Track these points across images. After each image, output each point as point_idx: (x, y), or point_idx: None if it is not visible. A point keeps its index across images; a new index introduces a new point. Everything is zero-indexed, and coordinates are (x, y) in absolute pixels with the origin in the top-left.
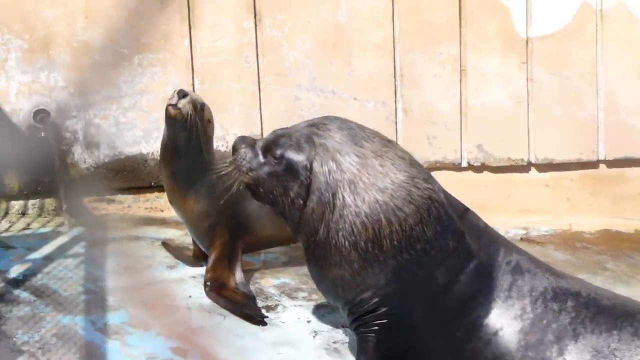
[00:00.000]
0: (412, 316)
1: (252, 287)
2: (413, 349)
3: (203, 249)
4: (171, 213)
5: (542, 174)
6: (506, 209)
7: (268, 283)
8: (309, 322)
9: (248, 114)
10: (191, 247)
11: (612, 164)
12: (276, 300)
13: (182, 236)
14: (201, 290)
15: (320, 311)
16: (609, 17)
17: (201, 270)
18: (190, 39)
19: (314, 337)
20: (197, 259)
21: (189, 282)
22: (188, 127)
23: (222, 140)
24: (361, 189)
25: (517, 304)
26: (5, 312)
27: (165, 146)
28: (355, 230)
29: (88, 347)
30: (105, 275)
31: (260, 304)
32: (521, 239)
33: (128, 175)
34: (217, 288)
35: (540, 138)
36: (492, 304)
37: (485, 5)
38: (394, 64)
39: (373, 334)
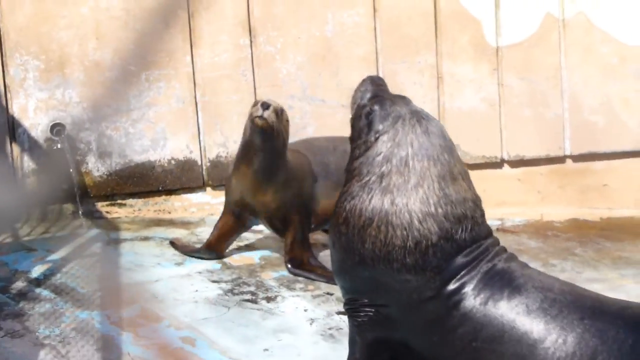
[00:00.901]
0: (391, 314)
1: (253, 280)
2: (398, 341)
3: (276, 234)
4: (178, 214)
5: (515, 169)
6: (483, 203)
7: (268, 276)
8: (305, 310)
9: None
10: (197, 244)
11: (578, 158)
12: (276, 291)
13: (188, 235)
14: (207, 285)
15: (316, 301)
16: (571, 26)
17: (207, 266)
18: (191, 56)
19: (310, 324)
20: (210, 248)
21: (196, 277)
22: (275, 134)
23: (223, 147)
24: (383, 187)
25: (492, 317)
26: (28, 309)
27: (248, 149)
28: (354, 210)
29: (104, 339)
30: (119, 272)
31: (260, 295)
32: (497, 229)
33: (138, 181)
34: (298, 265)
35: (511, 137)
36: (468, 317)
37: (458, 18)
38: (377, 74)
39: (359, 321)
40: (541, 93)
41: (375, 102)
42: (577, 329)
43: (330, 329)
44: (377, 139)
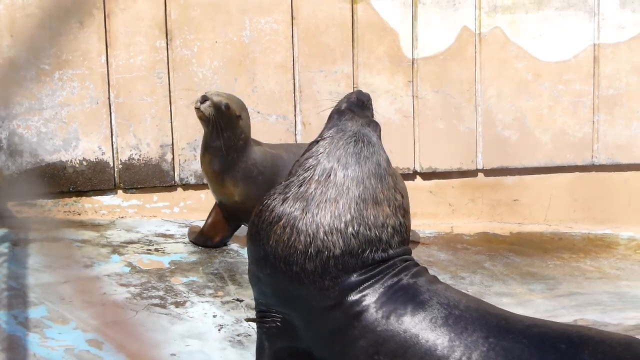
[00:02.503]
0: (295, 322)
1: (162, 285)
2: (304, 351)
3: None
4: (88, 216)
5: (427, 181)
6: None
7: (177, 281)
8: (214, 316)
9: (160, 125)
10: (107, 247)
11: (489, 173)
12: (185, 296)
13: (98, 237)
14: (115, 288)
15: (225, 307)
16: (487, 40)
17: (116, 269)
18: (107, 57)
19: (219, 330)
20: (203, 235)
21: (104, 280)
22: (211, 125)
23: (136, 149)
24: (300, 192)
25: (394, 331)
26: None
27: (204, 141)
28: (268, 205)
29: (10, 340)
30: (27, 273)
31: (169, 300)
32: None
33: (48, 181)
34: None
35: (425, 149)
36: (369, 329)
37: (375, 29)
38: (294, 81)
39: (267, 327)
40: (455, 106)
41: (338, 111)
42: (482, 347)
43: (238, 335)
44: (317, 142)
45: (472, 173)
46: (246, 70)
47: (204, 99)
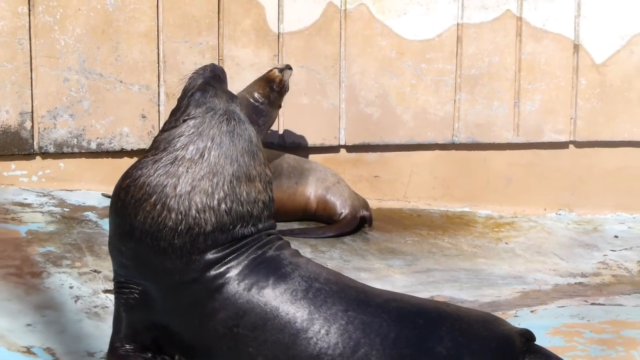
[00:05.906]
0: (154, 295)
1: (18, 254)
2: (159, 324)
3: None
4: None
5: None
6: None
7: (34, 251)
8: (71, 287)
9: (20, 92)
10: None
11: (351, 149)
12: (41, 267)
13: None
14: None
15: (82, 278)
16: (352, 17)
17: None
18: None
19: (75, 301)
20: None
21: None
22: (275, 95)
23: None
24: (173, 169)
25: (255, 303)
26: None
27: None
28: (137, 181)
29: None
30: None
31: (25, 270)
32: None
33: None
34: None
35: (289, 124)
36: (230, 302)
37: (241, 2)
38: (158, 51)
39: (125, 298)
40: (320, 82)
41: (199, 88)
42: (341, 320)
43: (95, 307)
44: (185, 121)
45: (334, 149)
46: (109, 38)
47: (289, 67)
